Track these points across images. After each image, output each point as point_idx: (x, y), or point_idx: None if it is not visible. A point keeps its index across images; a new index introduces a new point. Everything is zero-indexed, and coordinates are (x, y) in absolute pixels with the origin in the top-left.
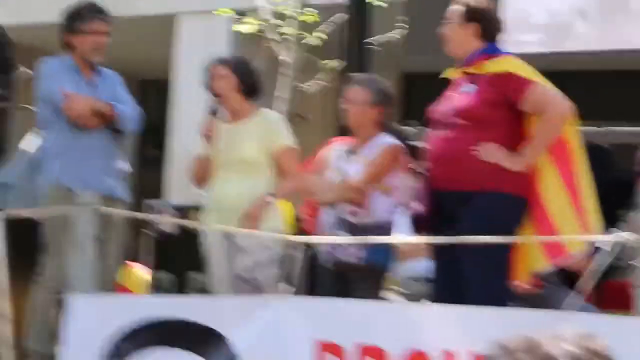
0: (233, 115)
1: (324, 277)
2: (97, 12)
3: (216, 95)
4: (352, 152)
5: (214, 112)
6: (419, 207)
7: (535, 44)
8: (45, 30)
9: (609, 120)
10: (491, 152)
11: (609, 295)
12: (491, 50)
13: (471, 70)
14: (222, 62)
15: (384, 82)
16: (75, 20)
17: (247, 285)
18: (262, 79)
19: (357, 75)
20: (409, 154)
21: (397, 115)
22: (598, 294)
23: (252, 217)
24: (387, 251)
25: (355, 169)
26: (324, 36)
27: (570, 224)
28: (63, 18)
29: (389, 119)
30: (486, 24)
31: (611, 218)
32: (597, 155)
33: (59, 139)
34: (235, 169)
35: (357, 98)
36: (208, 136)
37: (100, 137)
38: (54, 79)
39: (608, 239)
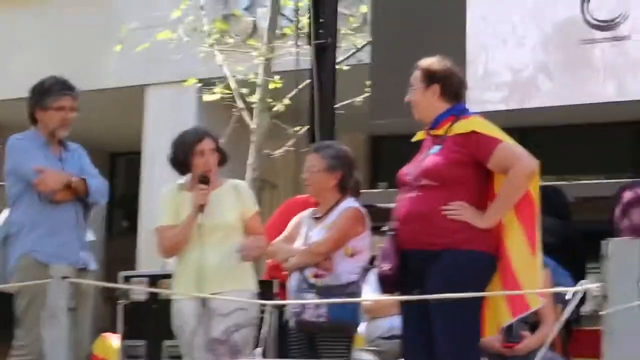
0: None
1: (293, 339)
2: (65, 89)
3: (204, 167)
4: (317, 218)
5: (205, 182)
6: (386, 266)
7: (499, 101)
8: (12, 106)
9: (573, 174)
10: (459, 211)
11: (582, 344)
12: (457, 111)
13: (438, 132)
14: (208, 134)
15: (341, 147)
16: (43, 95)
17: (225, 347)
18: (230, 146)
19: (316, 143)
20: (377, 215)
21: (366, 177)
22: (569, 343)
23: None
24: (353, 310)
25: (319, 234)
26: (289, 102)
27: (532, 279)
28: (31, 93)
29: (350, 183)
30: (447, 84)
31: (581, 269)
32: (551, 202)
33: (29, 213)
34: (216, 235)
35: (314, 165)
36: (202, 206)
37: (70, 210)
38: (24, 154)
39: (575, 290)
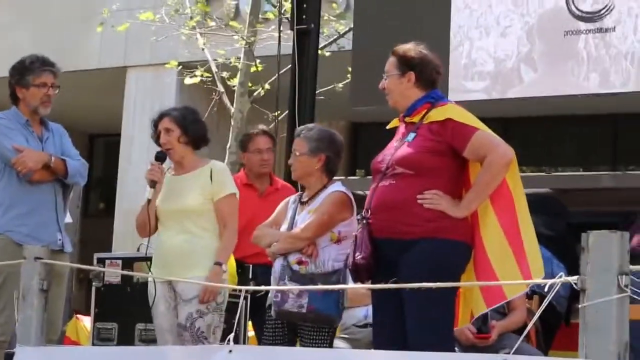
0: (179, 167)
1: (269, 326)
2: (46, 65)
3: (162, 147)
4: (303, 202)
5: (160, 159)
6: (359, 255)
7: (482, 91)
8: None
9: (553, 166)
10: (435, 200)
11: (567, 338)
12: (432, 98)
13: (413, 119)
14: (167, 114)
15: (326, 129)
16: (24, 73)
17: (189, 334)
18: (210, 129)
19: (300, 127)
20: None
21: (345, 164)
22: (559, 336)
23: (209, 292)
24: (335, 301)
25: (304, 219)
26: (270, 87)
27: (508, 269)
28: (11, 72)
29: (336, 165)
30: (422, 71)
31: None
32: (547, 204)
33: (6, 192)
34: (178, 220)
35: (297, 150)
36: (153, 182)
37: (49, 190)
38: (4, 132)
39: (552, 282)
